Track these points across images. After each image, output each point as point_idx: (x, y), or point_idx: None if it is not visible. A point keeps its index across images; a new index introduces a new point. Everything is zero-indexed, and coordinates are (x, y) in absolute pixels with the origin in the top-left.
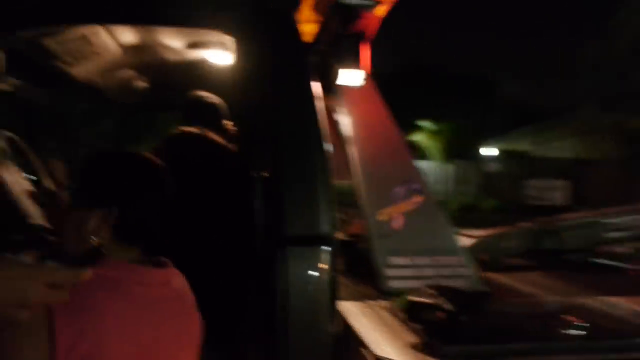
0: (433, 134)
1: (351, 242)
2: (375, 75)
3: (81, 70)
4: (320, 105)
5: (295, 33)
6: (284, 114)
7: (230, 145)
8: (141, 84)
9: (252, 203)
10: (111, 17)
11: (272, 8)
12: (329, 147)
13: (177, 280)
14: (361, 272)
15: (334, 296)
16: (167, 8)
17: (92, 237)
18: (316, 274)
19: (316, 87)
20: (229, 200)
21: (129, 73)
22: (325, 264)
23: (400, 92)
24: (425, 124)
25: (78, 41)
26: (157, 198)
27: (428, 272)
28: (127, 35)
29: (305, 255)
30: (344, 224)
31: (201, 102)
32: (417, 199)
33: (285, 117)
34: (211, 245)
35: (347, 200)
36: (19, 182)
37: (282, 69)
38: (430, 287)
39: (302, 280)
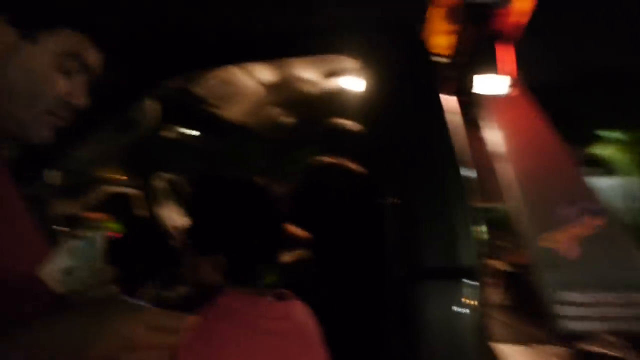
0: (624, 144)
1: (515, 273)
2: (551, 86)
3: (230, 112)
4: (456, 121)
5: (421, 48)
6: (413, 135)
7: (366, 173)
8: (287, 119)
9: (385, 233)
10: (247, 56)
11: (395, 25)
12: (469, 168)
13: (299, 313)
14: (528, 309)
15: (485, 337)
16: (291, 39)
17: (205, 280)
18: (459, 311)
19: (452, 103)
20: (364, 231)
21: (274, 110)
22: (471, 300)
23: (582, 101)
24: (612, 134)
25: (220, 84)
26: (267, 238)
27: (613, 312)
28: (265, 72)
29: (446, 291)
30: (505, 252)
31: (337, 130)
32: (595, 222)
33: (415, 138)
34: (344, 278)
35: (507, 225)
36: (176, 219)
37: (410, 88)
38: (616, 332)
39: (443, 319)
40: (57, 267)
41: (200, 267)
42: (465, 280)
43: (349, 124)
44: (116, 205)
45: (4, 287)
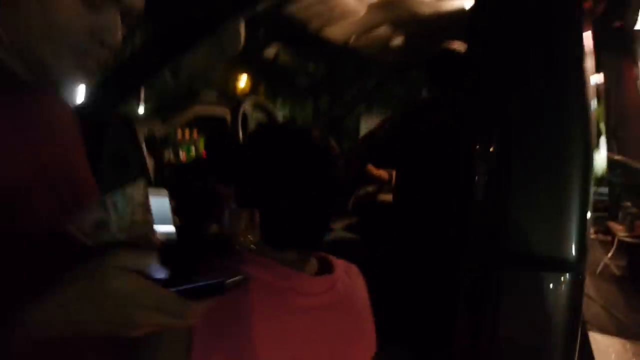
0: None
1: (638, 246)
2: None
3: (332, 32)
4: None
5: None
6: (535, 66)
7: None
8: (397, 41)
9: (474, 193)
10: None
11: None
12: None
13: (344, 284)
14: None
15: (579, 330)
16: None
17: (243, 238)
18: (552, 308)
19: (588, 39)
20: (452, 183)
21: (384, 30)
22: (569, 298)
23: None
24: None
25: (321, 3)
26: (312, 195)
27: None
28: None
29: (538, 284)
30: (631, 220)
31: (448, 55)
32: None
33: (538, 71)
34: (421, 233)
35: None
36: None
37: (541, 12)
38: None
39: (527, 319)
40: (89, 220)
41: (236, 220)
42: (567, 274)
43: (460, 48)
44: (207, 126)
45: (34, 240)
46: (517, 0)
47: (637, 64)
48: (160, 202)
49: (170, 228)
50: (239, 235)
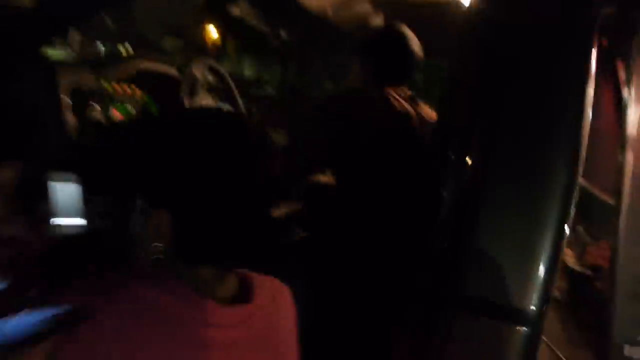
0: None
1: (585, 276)
2: None
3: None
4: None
5: None
6: (525, 85)
7: (418, 118)
8: (376, 20)
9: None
10: None
11: None
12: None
13: (264, 315)
14: (588, 326)
15: None
16: None
17: (150, 245)
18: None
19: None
20: (397, 204)
21: (365, 7)
22: (519, 354)
23: None
24: None
25: None
26: (237, 197)
27: None
28: None
29: (488, 333)
30: (582, 247)
31: (387, 39)
32: None
33: (531, 82)
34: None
35: (601, 215)
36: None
37: (544, 14)
38: None
39: None
40: None
41: (144, 222)
42: (518, 327)
43: (409, 34)
44: (153, 83)
45: None
46: (524, 7)
47: (618, 88)
48: (66, 190)
49: (78, 221)
50: (146, 242)
